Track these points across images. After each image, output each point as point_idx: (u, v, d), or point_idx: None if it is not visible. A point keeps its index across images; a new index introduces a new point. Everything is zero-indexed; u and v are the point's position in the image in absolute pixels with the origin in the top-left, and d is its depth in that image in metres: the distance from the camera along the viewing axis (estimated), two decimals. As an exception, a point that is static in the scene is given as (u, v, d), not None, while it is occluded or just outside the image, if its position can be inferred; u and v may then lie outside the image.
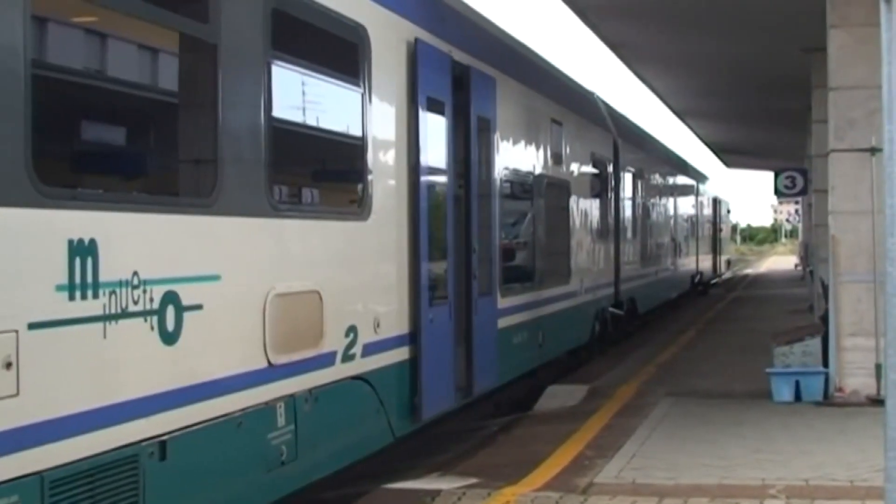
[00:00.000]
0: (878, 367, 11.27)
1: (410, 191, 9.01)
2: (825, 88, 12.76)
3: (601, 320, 18.08)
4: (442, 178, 9.97)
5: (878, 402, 10.24)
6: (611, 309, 18.96)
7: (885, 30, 5.58)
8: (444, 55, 9.91)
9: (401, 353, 8.77)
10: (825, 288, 14.14)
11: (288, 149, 7.26)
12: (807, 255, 32.85)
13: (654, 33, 19.44)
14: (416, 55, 9.12)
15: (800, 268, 43.14)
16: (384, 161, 8.45)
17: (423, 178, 9.29)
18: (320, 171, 8.40)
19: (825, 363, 12.06)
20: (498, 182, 11.62)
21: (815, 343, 12.32)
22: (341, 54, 8.04)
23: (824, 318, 12.78)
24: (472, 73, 10.62)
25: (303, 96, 7.56)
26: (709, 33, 19.07)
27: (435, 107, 9.54)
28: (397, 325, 8.73)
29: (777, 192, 28.35)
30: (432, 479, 8.71)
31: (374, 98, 8.23)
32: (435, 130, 9.56)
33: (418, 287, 9.07)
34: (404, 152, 8.83)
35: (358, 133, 8.11)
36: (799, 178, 27.16)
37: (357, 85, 8.08)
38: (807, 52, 18.13)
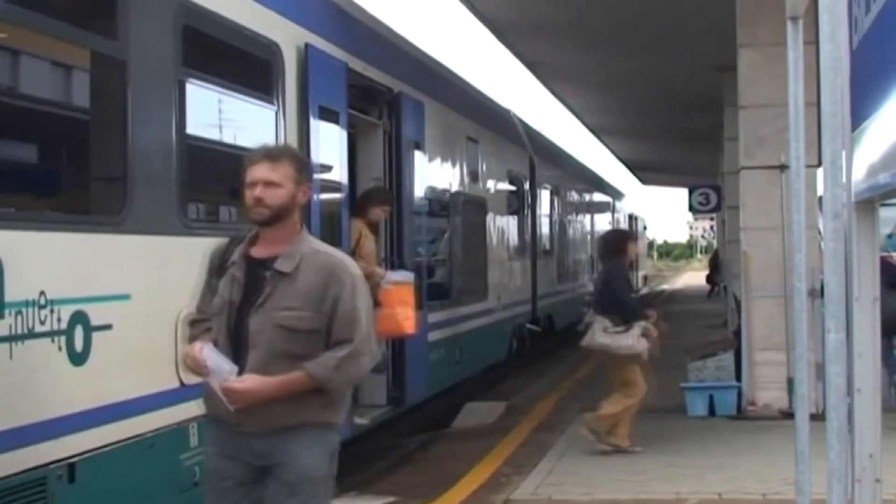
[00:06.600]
0: (790, 381, 11.45)
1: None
2: (736, 107, 12.96)
3: (519, 337, 18.13)
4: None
5: (789, 415, 10.38)
6: (528, 325, 19.02)
7: (791, 49, 5.67)
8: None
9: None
10: (738, 303, 14.34)
11: (201, 166, 7.17)
12: (718, 270, 33.24)
13: (570, 52, 19.63)
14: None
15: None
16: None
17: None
18: (236, 189, 8.29)
19: (738, 377, 12.21)
20: (421, 200, 11.68)
21: (728, 358, 12.46)
22: (255, 71, 7.98)
23: (737, 333, 12.95)
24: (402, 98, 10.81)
25: (217, 113, 7.48)
26: (623, 52, 19.29)
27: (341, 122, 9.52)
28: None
29: (692, 208, 28.76)
30: (349, 498, 8.66)
31: (287, 114, 8.18)
32: (341, 145, 9.50)
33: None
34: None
35: (272, 150, 8.03)
36: (712, 195, 27.56)
37: (271, 102, 8.02)
38: (718, 71, 18.40)
